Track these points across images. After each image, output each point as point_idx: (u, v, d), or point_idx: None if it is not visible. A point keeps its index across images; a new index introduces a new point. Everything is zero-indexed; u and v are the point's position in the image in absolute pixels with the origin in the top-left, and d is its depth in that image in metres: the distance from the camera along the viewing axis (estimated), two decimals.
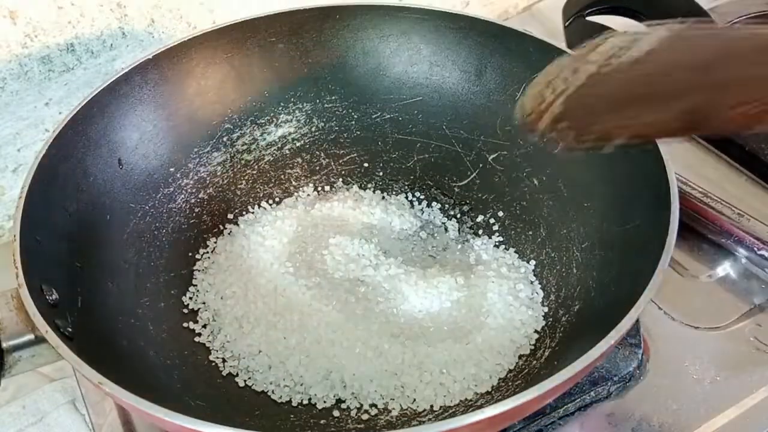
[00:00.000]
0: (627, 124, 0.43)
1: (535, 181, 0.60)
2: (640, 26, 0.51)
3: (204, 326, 0.55)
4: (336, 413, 0.50)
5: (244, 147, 0.65)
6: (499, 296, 0.55)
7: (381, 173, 0.66)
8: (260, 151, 0.66)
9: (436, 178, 0.65)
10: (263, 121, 0.66)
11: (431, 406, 0.49)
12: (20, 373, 0.44)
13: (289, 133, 0.67)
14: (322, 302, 0.54)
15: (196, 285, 0.57)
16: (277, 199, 0.65)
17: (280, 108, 0.66)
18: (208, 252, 0.60)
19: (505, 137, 0.62)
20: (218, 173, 0.63)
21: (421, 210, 0.64)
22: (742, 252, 0.60)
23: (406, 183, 0.66)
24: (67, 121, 0.52)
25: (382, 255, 0.58)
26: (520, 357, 0.52)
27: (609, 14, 0.68)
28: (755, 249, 0.59)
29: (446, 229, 0.62)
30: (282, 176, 0.66)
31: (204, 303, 0.56)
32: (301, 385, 0.50)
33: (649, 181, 0.48)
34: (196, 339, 0.54)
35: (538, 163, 0.60)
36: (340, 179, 0.66)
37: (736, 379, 0.53)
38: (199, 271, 0.58)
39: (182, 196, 0.61)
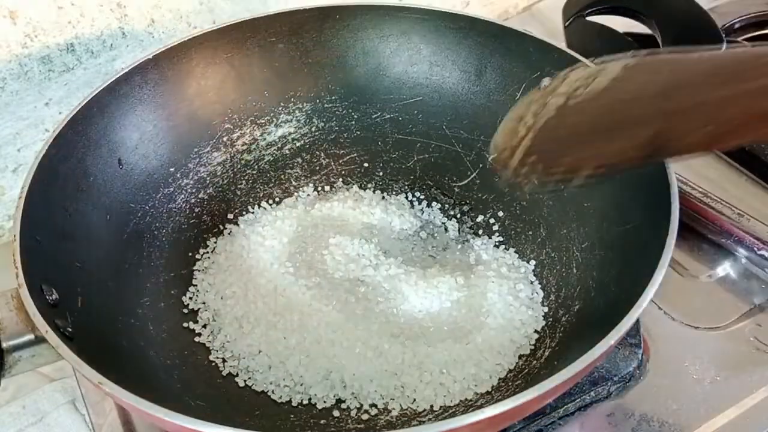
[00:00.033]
0: (593, 154, 0.44)
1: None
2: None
3: (204, 326, 0.55)
4: (336, 413, 0.50)
5: (244, 147, 0.65)
6: (499, 296, 0.55)
7: (381, 173, 0.66)
8: (260, 151, 0.66)
9: (436, 178, 0.65)
10: (263, 121, 0.66)
11: (431, 406, 0.49)
12: (20, 373, 0.44)
13: (289, 133, 0.67)
14: (322, 302, 0.54)
15: (196, 285, 0.57)
16: (277, 199, 0.65)
17: (280, 108, 0.66)
18: (208, 252, 0.60)
19: None
20: (218, 173, 0.63)
21: (421, 210, 0.64)
22: (742, 252, 0.60)
23: (406, 183, 0.66)
24: (67, 121, 0.52)
25: (382, 255, 0.58)
26: (520, 357, 0.52)
27: (609, 14, 0.68)
28: (755, 249, 0.59)
29: (446, 229, 0.62)
30: (282, 176, 0.66)
31: (204, 303, 0.56)
32: (301, 385, 0.50)
33: (649, 181, 0.48)
34: (196, 339, 0.54)
35: None
36: (340, 179, 0.66)
37: (736, 379, 0.53)
38: (199, 271, 0.58)
39: (182, 196, 0.61)
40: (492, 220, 0.62)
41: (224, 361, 0.53)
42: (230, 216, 0.63)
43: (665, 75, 0.44)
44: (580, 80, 0.46)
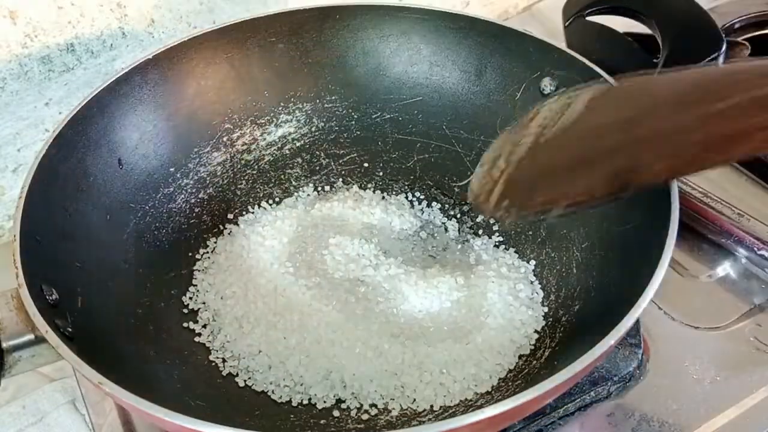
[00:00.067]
0: (562, 192, 0.45)
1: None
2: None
3: (204, 326, 0.55)
4: (336, 413, 0.50)
5: (244, 147, 0.65)
6: (499, 296, 0.55)
7: (381, 173, 0.66)
8: (260, 151, 0.66)
9: (436, 178, 0.65)
10: (263, 121, 0.66)
11: (431, 406, 0.49)
12: (20, 373, 0.43)
13: (289, 133, 0.67)
14: (322, 302, 0.54)
15: (196, 285, 0.57)
16: (277, 199, 0.65)
17: (280, 108, 0.66)
18: (208, 252, 0.60)
19: None
20: (218, 173, 0.63)
21: (421, 210, 0.64)
22: (742, 252, 0.60)
23: (406, 183, 0.66)
24: (67, 121, 0.52)
25: (382, 255, 0.58)
26: (520, 357, 0.52)
27: (609, 14, 0.68)
28: (755, 249, 0.59)
29: (446, 229, 0.62)
30: (282, 176, 0.66)
31: (204, 303, 0.56)
32: (301, 385, 0.50)
33: None
34: (196, 339, 0.54)
35: None
36: (340, 179, 0.66)
37: (736, 379, 0.53)
38: (199, 271, 0.58)
39: (182, 196, 0.61)
40: (492, 220, 0.62)
41: (224, 361, 0.53)
42: (230, 216, 0.63)
43: (630, 103, 0.44)
44: (549, 116, 0.46)
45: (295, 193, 0.65)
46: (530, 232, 0.60)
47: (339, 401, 0.50)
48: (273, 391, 0.51)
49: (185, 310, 0.56)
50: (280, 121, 0.66)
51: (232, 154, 0.64)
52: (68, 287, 0.46)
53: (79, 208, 0.51)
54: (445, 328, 0.53)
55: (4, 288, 0.43)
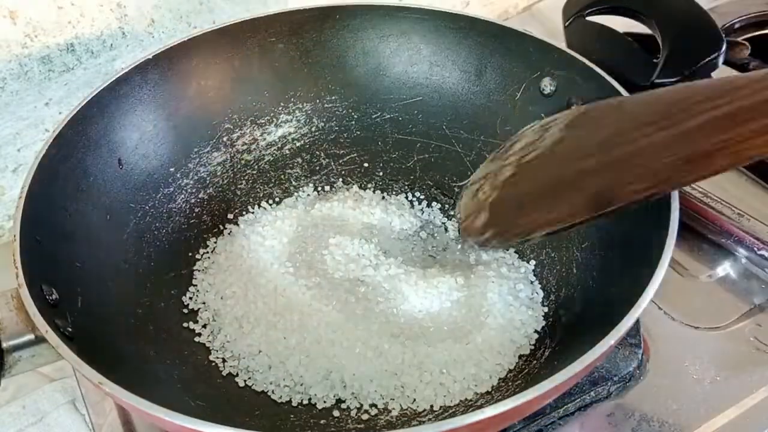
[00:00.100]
0: (545, 218, 0.46)
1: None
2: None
3: (204, 326, 0.55)
4: (336, 413, 0.50)
5: (244, 147, 0.65)
6: (499, 296, 0.55)
7: (381, 173, 0.66)
8: (260, 151, 0.66)
9: (436, 178, 0.65)
10: (263, 121, 0.66)
11: (431, 406, 0.49)
12: (20, 373, 0.43)
13: (289, 133, 0.67)
14: (322, 302, 0.54)
15: (196, 285, 0.57)
16: (277, 199, 0.65)
17: (280, 108, 0.66)
18: (208, 252, 0.60)
19: (505, 137, 0.62)
20: (218, 173, 0.63)
21: (421, 210, 0.64)
22: (742, 252, 0.60)
23: (406, 183, 0.66)
24: (67, 121, 0.52)
25: (382, 255, 0.58)
26: (520, 357, 0.52)
27: (609, 14, 0.68)
28: (755, 249, 0.59)
29: (446, 229, 0.62)
30: (282, 176, 0.66)
31: (204, 303, 0.56)
32: (301, 385, 0.50)
33: None
34: (196, 339, 0.54)
35: None
36: (340, 179, 0.66)
37: (736, 379, 0.53)
38: (199, 271, 0.58)
39: (182, 196, 0.61)
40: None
41: (224, 361, 0.53)
42: (230, 216, 0.63)
43: (605, 126, 0.45)
44: (529, 142, 0.48)
45: (295, 193, 0.65)
46: None
47: (339, 401, 0.50)
48: (273, 391, 0.51)
49: (185, 310, 0.56)
50: (280, 121, 0.66)
51: (232, 154, 0.64)
52: (68, 287, 0.46)
53: (79, 208, 0.51)
54: (445, 328, 0.53)
55: (4, 288, 0.43)
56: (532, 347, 0.52)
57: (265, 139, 0.66)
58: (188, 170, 0.62)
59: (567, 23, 0.69)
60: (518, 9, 0.95)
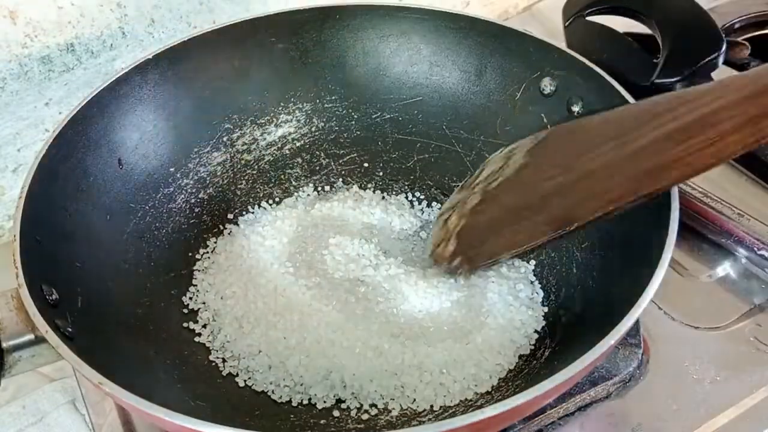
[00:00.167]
0: (509, 241, 0.48)
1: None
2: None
3: (204, 326, 0.55)
4: (336, 413, 0.50)
5: (244, 147, 0.65)
6: (499, 296, 0.55)
7: (381, 173, 0.66)
8: (260, 151, 0.66)
9: (436, 178, 0.65)
10: (263, 121, 0.66)
11: (431, 406, 0.49)
12: (20, 373, 0.43)
13: (289, 133, 0.67)
14: (322, 302, 0.54)
15: (196, 285, 0.57)
16: (277, 199, 0.65)
17: (280, 108, 0.66)
18: (208, 252, 0.60)
19: (505, 137, 0.62)
20: (218, 173, 0.63)
21: (421, 210, 0.64)
22: (742, 252, 0.60)
23: (406, 183, 0.66)
24: (67, 121, 0.52)
25: (382, 255, 0.58)
26: (520, 357, 0.52)
27: (609, 14, 0.68)
28: (755, 249, 0.59)
29: None
30: (282, 176, 0.66)
31: (204, 303, 0.56)
32: (301, 385, 0.50)
33: None
34: (196, 339, 0.54)
35: None
36: (340, 179, 0.66)
37: (736, 379, 0.53)
38: (199, 271, 0.58)
39: (182, 196, 0.61)
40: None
41: (224, 361, 0.53)
42: (230, 216, 0.63)
43: (565, 148, 0.47)
44: (494, 169, 0.51)
45: (295, 193, 0.65)
46: None
47: (339, 401, 0.50)
48: (273, 391, 0.51)
49: (185, 310, 0.56)
50: (280, 121, 0.66)
51: (232, 154, 0.64)
52: (68, 287, 0.46)
53: (79, 208, 0.51)
54: (445, 328, 0.53)
55: (4, 288, 0.43)
56: (532, 347, 0.52)
57: (265, 139, 0.66)
58: (188, 170, 0.62)
59: (567, 23, 0.69)
60: (518, 9, 0.95)
